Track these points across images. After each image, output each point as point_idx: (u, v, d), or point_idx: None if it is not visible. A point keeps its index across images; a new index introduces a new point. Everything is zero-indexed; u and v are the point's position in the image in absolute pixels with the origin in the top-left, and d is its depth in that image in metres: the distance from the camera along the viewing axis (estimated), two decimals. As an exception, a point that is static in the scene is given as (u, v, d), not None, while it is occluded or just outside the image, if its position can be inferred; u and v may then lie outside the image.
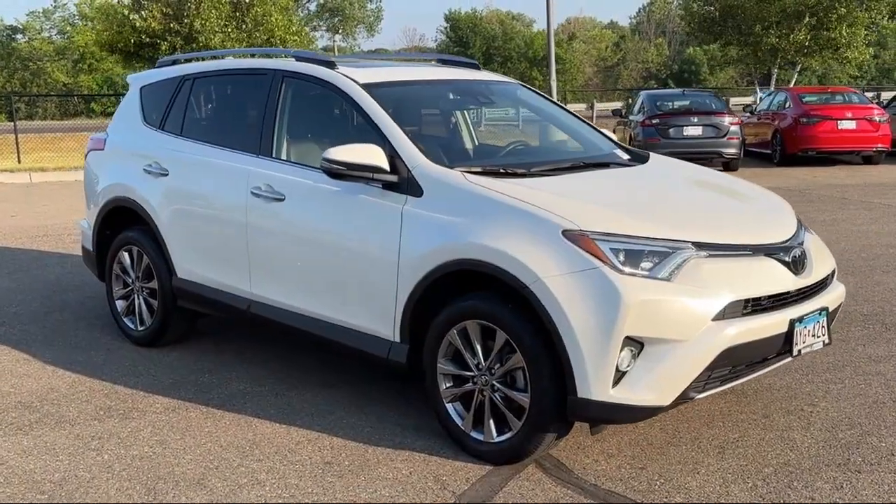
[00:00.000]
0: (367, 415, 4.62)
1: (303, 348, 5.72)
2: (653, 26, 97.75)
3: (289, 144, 5.01)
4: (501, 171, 4.32)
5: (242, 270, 5.02)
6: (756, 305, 3.77)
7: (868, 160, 18.39)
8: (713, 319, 3.61)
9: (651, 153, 5.23)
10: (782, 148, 18.37)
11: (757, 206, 4.50)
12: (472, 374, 4.01)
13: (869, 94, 24.67)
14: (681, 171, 5.03)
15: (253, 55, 6.27)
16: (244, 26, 19.00)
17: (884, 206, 12.26)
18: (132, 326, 5.91)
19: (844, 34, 24.55)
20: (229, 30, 18.60)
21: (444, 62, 5.79)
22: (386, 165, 4.26)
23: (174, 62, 6.04)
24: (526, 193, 3.96)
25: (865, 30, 25.07)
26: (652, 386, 3.58)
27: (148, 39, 18.71)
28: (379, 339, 4.37)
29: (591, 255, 3.61)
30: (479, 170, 4.28)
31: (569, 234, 3.67)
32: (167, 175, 5.46)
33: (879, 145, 17.67)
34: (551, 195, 3.98)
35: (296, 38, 20.36)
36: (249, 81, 5.31)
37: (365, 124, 4.58)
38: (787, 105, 18.81)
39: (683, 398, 3.68)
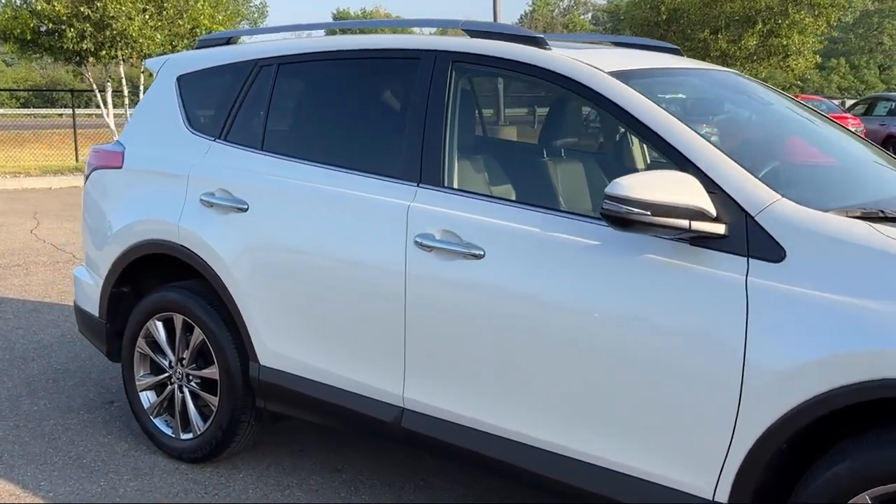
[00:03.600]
0: None
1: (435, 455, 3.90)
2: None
3: (474, 169, 3.22)
4: (881, 214, 2.66)
5: (391, 362, 3.20)
6: None
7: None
8: None
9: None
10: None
11: None
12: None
13: (835, 102, 24.18)
14: None
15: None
16: (165, 13, 16.65)
17: None
18: (170, 433, 3.96)
19: (796, 41, 24.02)
20: (147, 16, 16.21)
21: (622, 45, 4.05)
22: (711, 208, 2.55)
23: (229, 40, 4.11)
24: None
25: (814, 38, 24.64)
26: None
27: (51, 26, 16.11)
28: (680, 496, 2.64)
29: None
30: (858, 214, 2.61)
31: None
32: (246, 210, 3.56)
33: (855, 157, 16.84)
34: None
35: (221, 28, 18.10)
36: (389, 68, 3.47)
37: (632, 137, 2.88)
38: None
39: None
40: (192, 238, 3.70)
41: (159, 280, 4.08)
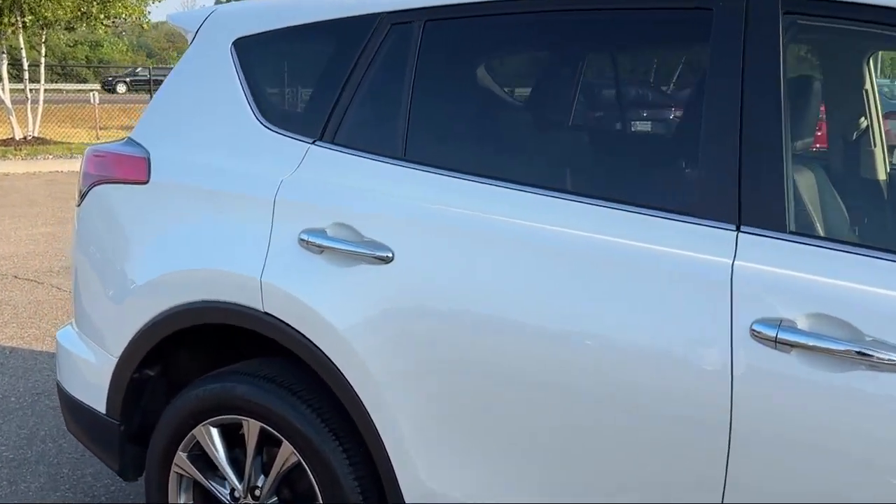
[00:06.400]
0: None
1: None
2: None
3: (841, 200, 1.90)
4: None
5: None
6: None
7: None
8: None
9: None
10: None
11: None
12: None
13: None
14: None
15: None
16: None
17: None
18: None
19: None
20: (62, -17, 14.13)
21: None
22: None
23: (314, -18, 2.64)
24: None
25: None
26: None
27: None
28: None
29: None
30: None
31: None
32: (389, 260, 2.14)
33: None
34: None
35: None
36: (650, 27, 2.12)
37: None
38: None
39: None
40: (288, 302, 2.26)
41: (192, 354, 2.65)
